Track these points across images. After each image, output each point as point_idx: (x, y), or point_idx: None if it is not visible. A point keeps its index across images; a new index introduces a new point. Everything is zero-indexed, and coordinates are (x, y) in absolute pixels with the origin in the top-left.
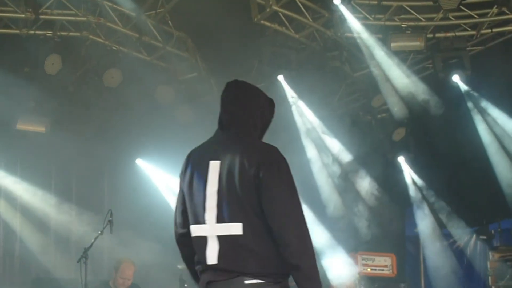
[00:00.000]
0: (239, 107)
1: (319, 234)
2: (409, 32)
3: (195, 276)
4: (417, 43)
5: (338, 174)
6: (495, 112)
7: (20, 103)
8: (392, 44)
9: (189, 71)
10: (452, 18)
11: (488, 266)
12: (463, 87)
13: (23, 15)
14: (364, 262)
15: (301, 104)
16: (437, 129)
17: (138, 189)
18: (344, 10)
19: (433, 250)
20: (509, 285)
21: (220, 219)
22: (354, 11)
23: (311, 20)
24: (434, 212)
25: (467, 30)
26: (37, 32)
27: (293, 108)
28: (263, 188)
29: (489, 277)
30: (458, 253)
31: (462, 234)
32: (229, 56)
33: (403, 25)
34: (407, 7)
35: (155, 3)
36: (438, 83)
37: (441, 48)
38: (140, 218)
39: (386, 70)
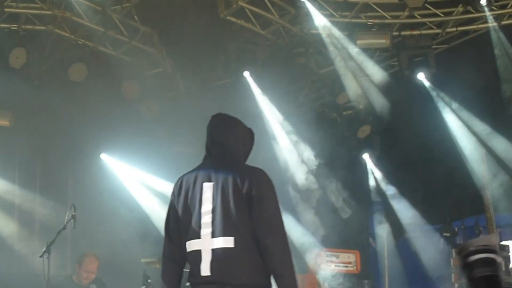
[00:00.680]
0: (225, 137)
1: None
2: (375, 29)
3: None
4: (382, 41)
5: (302, 171)
6: (460, 110)
7: None
8: (358, 42)
9: (154, 66)
10: (418, 16)
11: (451, 263)
12: (428, 84)
13: None
14: (328, 258)
15: (267, 101)
16: (402, 127)
17: (102, 184)
18: (311, 7)
19: (397, 246)
20: None
21: (214, 234)
22: (320, 8)
23: (277, 16)
24: (398, 209)
25: (433, 29)
26: (1, 25)
27: (258, 104)
28: (255, 202)
29: (452, 274)
30: (422, 250)
31: (426, 231)
32: (195, 51)
33: (369, 23)
34: (373, 5)
35: None
36: (403, 81)
37: (406, 46)
38: (104, 213)
39: (352, 67)
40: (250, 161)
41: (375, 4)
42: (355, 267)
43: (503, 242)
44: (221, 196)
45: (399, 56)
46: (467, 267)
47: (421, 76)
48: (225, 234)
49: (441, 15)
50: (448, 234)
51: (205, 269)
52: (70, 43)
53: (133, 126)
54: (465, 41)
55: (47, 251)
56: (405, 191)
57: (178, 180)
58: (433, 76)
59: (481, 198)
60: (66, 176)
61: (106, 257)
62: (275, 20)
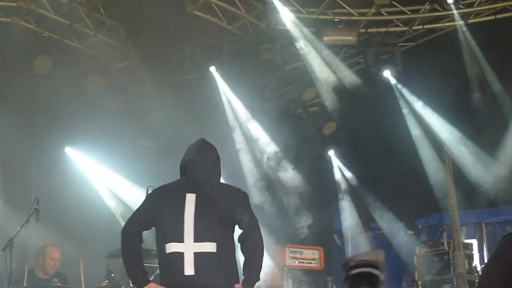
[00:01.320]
0: (207, 162)
1: None
2: (341, 26)
3: (134, 269)
4: (349, 38)
5: (266, 166)
6: (424, 108)
7: None
8: (325, 38)
9: (120, 60)
10: (385, 14)
11: (415, 260)
12: (394, 82)
13: None
14: (292, 255)
15: (232, 96)
16: (367, 123)
17: (66, 178)
18: (277, 3)
19: (361, 243)
20: (435, 279)
21: (197, 239)
22: (287, 4)
23: (244, 11)
24: (362, 206)
25: (399, 26)
26: None
27: (224, 100)
28: (237, 206)
29: (416, 272)
30: (386, 248)
31: (390, 228)
32: (161, 46)
33: (336, 19)
34: (340, 2)
35: None
36: (369, 78)
37: (373, 43)
38: (68, 207)
39: (318, 64)
40: None
41: (342, 0)
42: (319, 264)
43: (467, 240)
44: (205, 205)
45: (365, 53)
46: (347, 281)
47: (387, 74)
48: (208, 239)
49: (408, 12)
50: (411, 232)
51: (189, 269)
52: (35, 36)
53: (97, 120)
54: (432, 39)
55: (9, 244)
56: (370, 188)
57: (160, 186)
58: (399, 73)
59: (445, 196)
60: (29, 170)
61: (69, 251)
62: (242, 15)
